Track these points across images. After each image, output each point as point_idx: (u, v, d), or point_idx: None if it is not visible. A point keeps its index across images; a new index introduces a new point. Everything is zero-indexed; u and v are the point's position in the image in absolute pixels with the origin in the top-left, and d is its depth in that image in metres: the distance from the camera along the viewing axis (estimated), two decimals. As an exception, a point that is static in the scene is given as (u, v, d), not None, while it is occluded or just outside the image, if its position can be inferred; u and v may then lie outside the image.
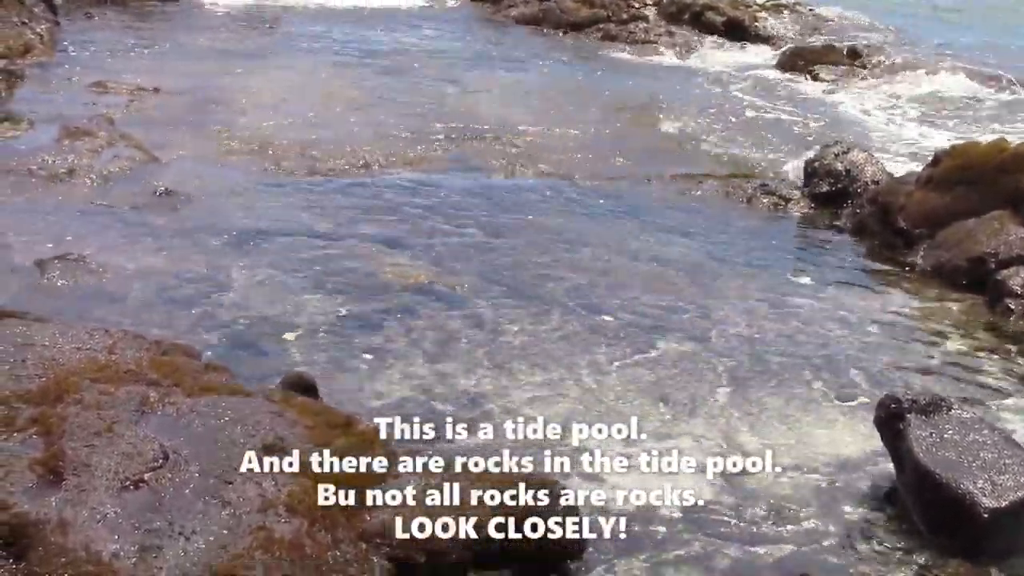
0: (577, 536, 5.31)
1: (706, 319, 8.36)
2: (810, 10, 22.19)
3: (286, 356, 7.27)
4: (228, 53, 16.71)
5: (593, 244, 9.78)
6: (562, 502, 5.26)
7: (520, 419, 6.69)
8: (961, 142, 11.81)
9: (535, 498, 5.14)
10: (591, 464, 6.25)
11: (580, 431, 6.60)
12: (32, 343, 5.75)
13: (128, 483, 4.70)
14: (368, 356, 7.37)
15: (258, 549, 4.43)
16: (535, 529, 5.07)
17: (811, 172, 11.66)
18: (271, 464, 4.93)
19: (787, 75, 18.31)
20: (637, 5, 21.23)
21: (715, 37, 20.42)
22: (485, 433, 6.49)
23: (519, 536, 5.02)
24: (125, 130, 11.70)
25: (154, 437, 4.99)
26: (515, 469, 5.48)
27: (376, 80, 15.70)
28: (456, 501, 4.97)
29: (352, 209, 10.18)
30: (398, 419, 6.27)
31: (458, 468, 5.23)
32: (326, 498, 4.79)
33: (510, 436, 6.48)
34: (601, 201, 11.06)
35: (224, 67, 15.59)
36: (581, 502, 5.56)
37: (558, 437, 6.53)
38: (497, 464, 5.44)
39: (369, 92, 14.91)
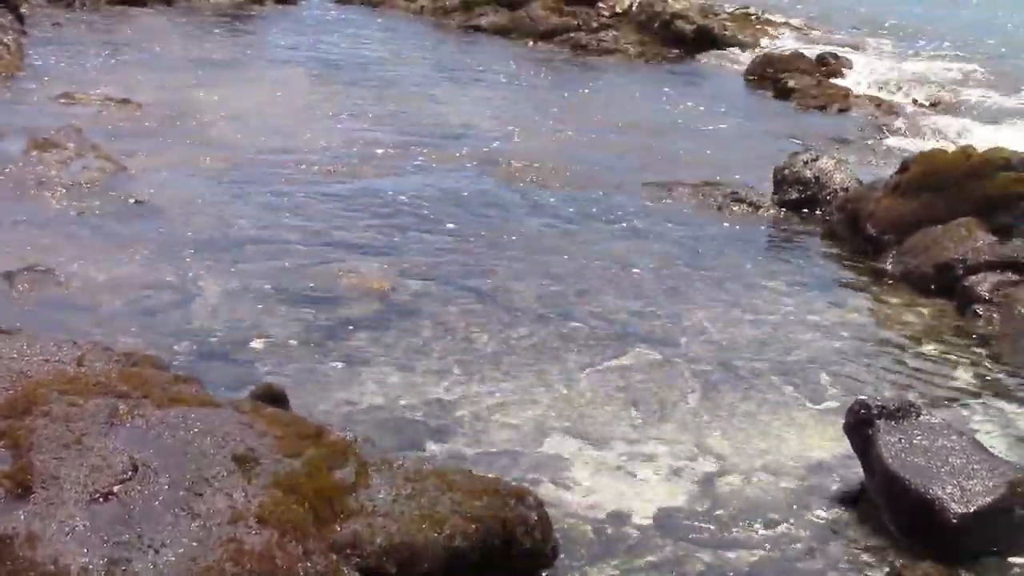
0: (548, 543, 5.32)
1: (677, 325, 8.40)
2: (779, 19, 22.32)
3: (256, 366, 7.24)
4: (198, 62, 16.67)
5: (564, 251, 9.81)
6: (533, 509, 5.26)
7: (491, 426, 6.70)
8: (928, 149, 11.90)
9: (506, 506, 5.15)
10: (562, 470, 6.28)
11: (551, 438, 6.63)
12: (-1, 355, 5.72)
13: (97, 496, 4.67)
14: (339, 365, 7.35)
15: (228, 561, 4.41)
16: (507, 537, 5.07)
17: (780, 179, 11.73)
18: (241, 475, 4.92)
19: (755, 83, 18.41)
20: (607, 14, 21.30)
21: (684, 45, 20.50)
22: (456, 441, 6.50)
23: (490, 544, 5.02)
24: (94, 141, 11.64)
25: (123, 449, 4.96)
26: (486, 477, 5.49)
27: (347, 88, 15.71)
28: (427, 510, 4.97)
29: (323, 217, 10.17)
30: (369, 428, 6.29)
31: (429, 477, 5.23)
32: (296, 509, 4.77)
33: (481, 444, 6.50)
34: (572, 208, 11.09)
35: (194, 76, 15.56)
36: (552, 509, 5.58)
37: (529, 444, 6.55)
38: (468, 472, 5.45)
39: (340, 100, 14.91)
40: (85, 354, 5.95)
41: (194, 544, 4.48)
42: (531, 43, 20.33)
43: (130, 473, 4.83)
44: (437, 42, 20.15)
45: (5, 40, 15.69)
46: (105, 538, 4.44)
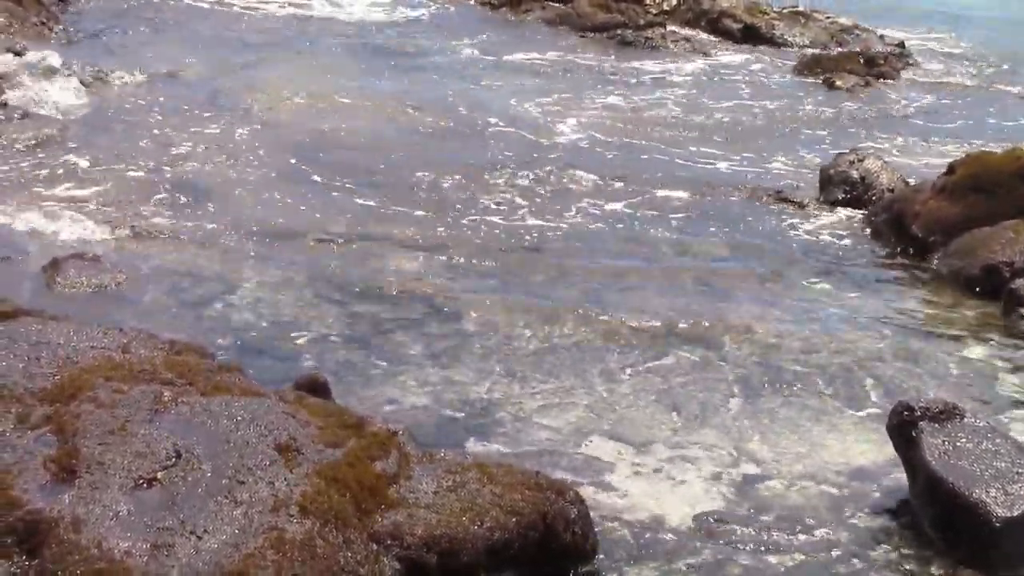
0: (588, 539, 5.32)
1: (719, 325, 8.35)
2: (827, 18, 22.14)
3: (299, 358, 7.29)
4: (241, 41, 16.75)
5: (606, 248, 9.79)
6: (574, 505, 5.27)
7: (531, 427, 6.70)
8: (976, 151, 11.78)
9: (547, 500, 5.15)
10: (602, 472, 6.27)
11: (591, 439, 6.62)
12: (47, 341, 5.78)
13: (141, 481, 4.72)
14: (380, 360, 7.38)
15: (270, 549, 4.44)
16: (547, 533, 5.08)
17: (826, 179, 11.66)
18: (283, 464, 4.94)
19: (803, 82, 18.29)
20: (654, 11, 21.23)
21: (732, 44, 20.41)
22: (496, 440, 6.51)
23: (530, 538, 5.02)
24: (142, 126, 11.77)
25: (167, 436, 5.01)
26: (527, 470, 5.49)
27: (394, 77, 15.73)
28: (468, 502, 4.98)
29: (367, 209, 10.21)
30: (410, 425, 6.31)
31: (470, 469, 5.24)
32: (338, 499, 4.80)
33: (521, 443, 6.50)
34: (616, 204, 11.05)
35: (237, 55, 15.64)
36: (592, 510, 5.57)
37: (569, 445, 6.54)
38: (509, 466, 5.46)
39: (388, 88, 14.95)
40: (130, 341, 6.01)
41: (236, 531, 4.51)
42: (577, 39, 20.25)
43: (173, 460, 4.87)
44: (484, 30, 20.09)
45: (55, 28, 15.85)
46: (148, 523, 4.49)
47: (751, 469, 6.46)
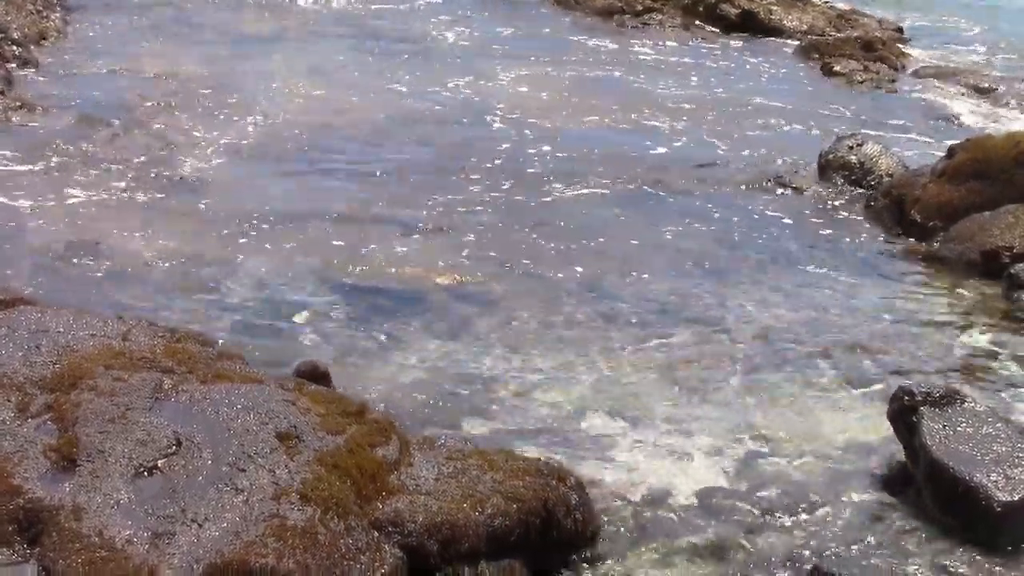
0: (589, 525, 5.32)
1: (720, 306, 8.37)
2: (825, 3, 22.10)
3: (299, 343, 7.29)
4: (240, 37, 16.66)
5: (608, 231, 9.78)
6: (574, 490, 5.27)
7: (533, 404, 6.72)
8: (976, 136, 11.76)
9: (548, 486, 5.15)
10: (603, 449, 6.29)
11: (593, 416, 6.63)
12: (47, 329, 5.77)
13: (142, 470, 4.72)
14: (381, 340, 7.40)
15: (271, 537, 4.44)
16: (548, 519, 5.08)
17: (825, 164, 11.63)
18: (284, 452, 4.94)
19: (801, 67, 18.26)
20: (652, -4, 21.17)
21: (730, 29, 20.36)
22: (497, 418, 6.52)
23: (531, 524, 5.03)
24: (139, 116, 11.73)
25: (168, 424, 5.01)
26: (528, 455, 5.50)
27: (394, 65, 15.67)
28: (469, 489, 4.98)
29: (367, 195, 10.20)
30: (411, 405, 6.33)
31: (471, 456, 5.25)
32: (339, 486, 4.79)
33: (522, 421, 6.52)
34: (617, 188, 11.04)
35: (241, 52, 15.57)
36: (593, 487, 5.58)
37: (571, 422, 6.56)
38: (510, 452, 5.47)
39: (387, 76, 14.91)
40: (131, 329, 6.00)
41: (237, 519, 4.51)
42: (575, 25, 20.21)
43: (174, 448, 4.87)
44: (482, 18, 20.03)
45: (53, 16, 15.80)
46: (149, 511, 4.49)
47: (753, 446, 6.48)
